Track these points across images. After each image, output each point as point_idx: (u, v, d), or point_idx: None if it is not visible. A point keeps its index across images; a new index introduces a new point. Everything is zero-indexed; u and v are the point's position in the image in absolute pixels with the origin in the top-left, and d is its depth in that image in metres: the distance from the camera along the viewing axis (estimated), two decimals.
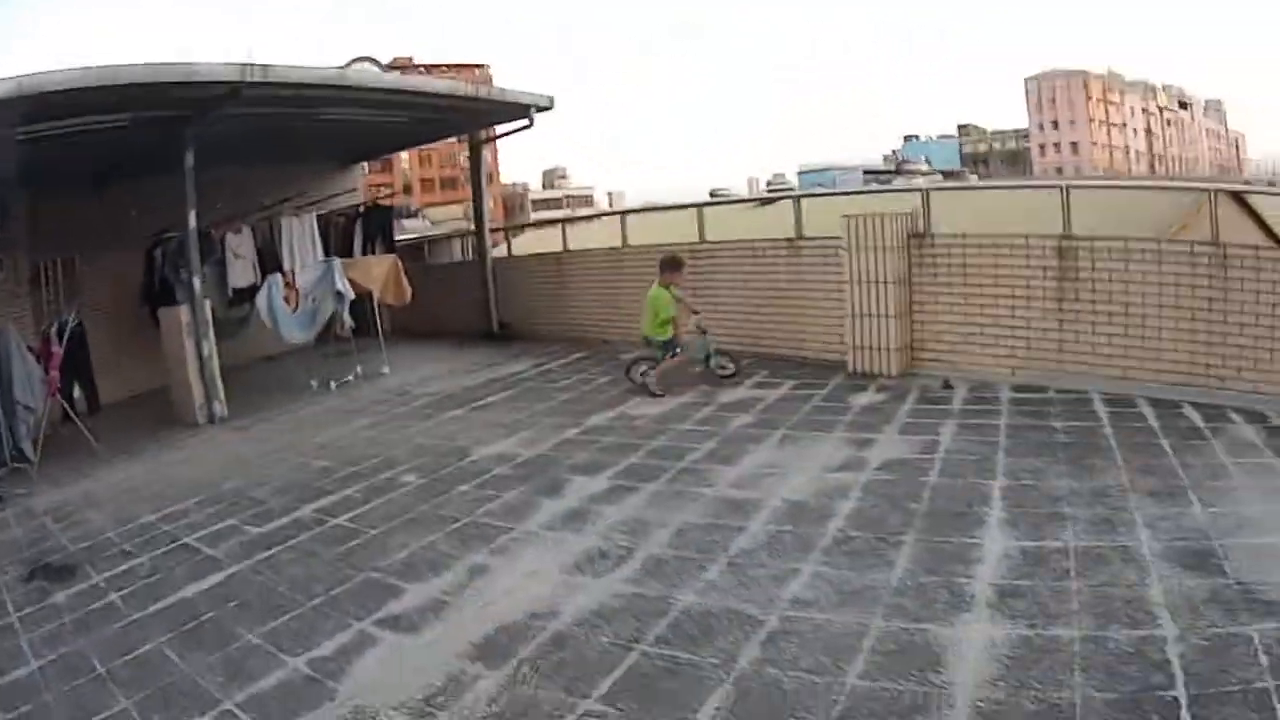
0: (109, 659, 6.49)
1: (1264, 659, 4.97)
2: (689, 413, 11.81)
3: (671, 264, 13.65)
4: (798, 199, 15.77)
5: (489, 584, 7.07)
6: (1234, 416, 9.65)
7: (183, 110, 13.59)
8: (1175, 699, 4.68)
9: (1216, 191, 11.65)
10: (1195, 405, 10.14)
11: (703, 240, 16.30)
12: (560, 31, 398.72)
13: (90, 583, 8.17)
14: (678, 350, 13.38)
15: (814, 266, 14.37)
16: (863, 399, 11.74)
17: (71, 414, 14.53)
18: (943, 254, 12.70)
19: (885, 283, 12.79)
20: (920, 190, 14.13)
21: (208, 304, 15.14)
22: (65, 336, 14.47)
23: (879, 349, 13.01)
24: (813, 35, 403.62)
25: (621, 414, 12.17)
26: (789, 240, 14.82)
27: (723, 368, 13.58)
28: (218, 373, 14.86)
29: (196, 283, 14.81)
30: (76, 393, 16.02)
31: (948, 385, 12.04)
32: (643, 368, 13.50)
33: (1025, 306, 11.97)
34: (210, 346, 14.75)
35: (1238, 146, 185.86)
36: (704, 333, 13.54)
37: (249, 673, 6.01)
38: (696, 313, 13.67)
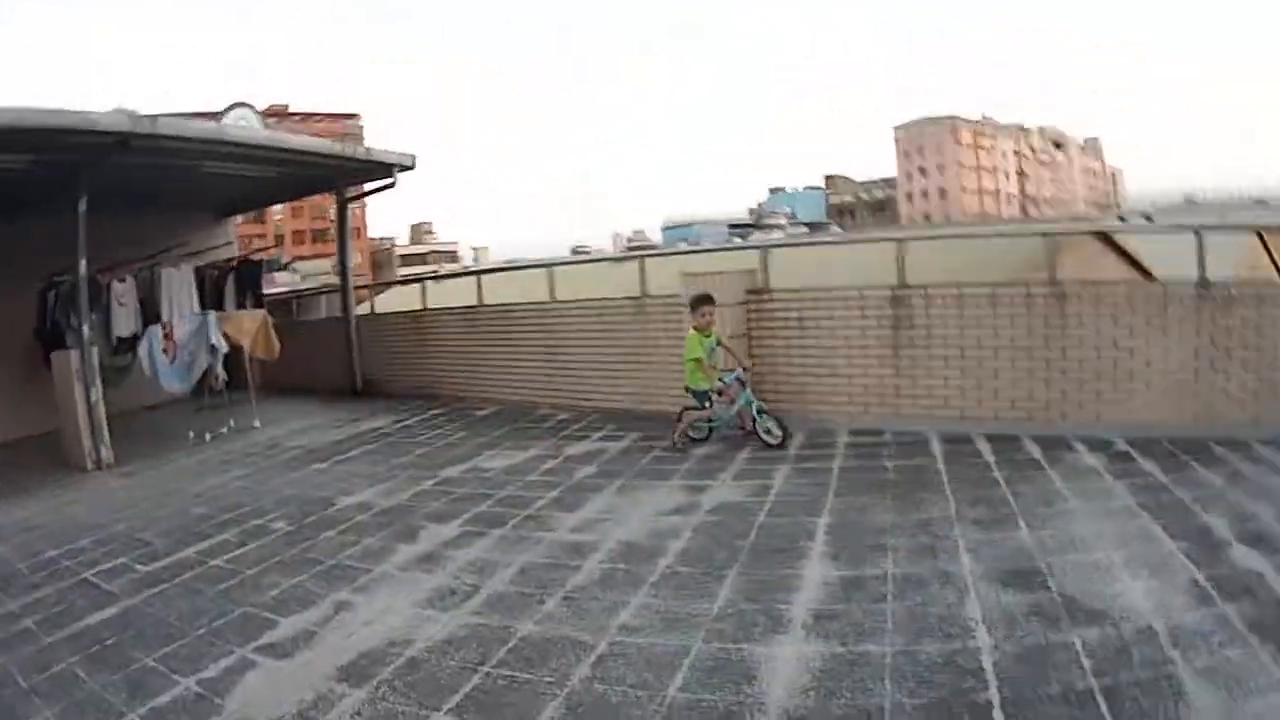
0: (30, 676, 6.86)
1: (1087, 662, 5.40)
2: (537, 465, 12.10)
3: (696, 303, 12.14)
4: (642, 257, 16.25)
5: (352, 617, 7.45)
6: (1076, 446, 10.23)
7: (77, 156, 13.84)
8: (988, 701, 5.10)
9: (1054, 234, 12.32)
10: (1035, 439, 10.67)
11: (553, 300, 16.68)
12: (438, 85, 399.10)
13: (6, 609, 8.50)
14: (709, 402, 12.14)
15: (658, 323, 14.74)
16: (702, 449, 12.12)
17: None
18: (780, 307, 13.19)
19: (725, 337, 12.86)
20: (760, 247, 14.57)
21: (95, 351, 15.20)
22: None
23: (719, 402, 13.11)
24: (689, 83, 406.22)
25: (474, 466, 12.47)
26: (634, 299, 15.20)
27: (769, 432, 11.79)
28: (104, 419, 14.93)
29: (85, 329, 14.93)
30: None
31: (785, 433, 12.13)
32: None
33: (862, 355, 12.49)
34: (97, 393, 14.84)
35: (1114, 182, 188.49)
36: (743, 385, 12.08)
37: (148, 690, 6.37)
38: (743, 367, 12.23)
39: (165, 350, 16.19)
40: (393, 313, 21.05)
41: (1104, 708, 4.90)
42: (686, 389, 12.23)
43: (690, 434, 12.33)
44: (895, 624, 6.23)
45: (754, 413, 11.96)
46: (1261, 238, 13.55)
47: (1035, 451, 10.27)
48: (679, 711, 5.41)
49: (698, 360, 11.96)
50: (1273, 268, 13.62)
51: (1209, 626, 5.69)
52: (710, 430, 12.40)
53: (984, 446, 10.69)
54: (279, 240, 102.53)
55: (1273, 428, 9.97)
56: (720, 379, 12.06)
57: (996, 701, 5.09)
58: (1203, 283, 10.47)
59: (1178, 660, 5.30)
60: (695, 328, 12.07)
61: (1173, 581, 6.41)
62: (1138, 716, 4.80)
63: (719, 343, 12.18)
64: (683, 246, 63.69)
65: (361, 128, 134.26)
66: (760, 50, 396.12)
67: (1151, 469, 9.24)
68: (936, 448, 10.87)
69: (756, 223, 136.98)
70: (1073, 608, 6.15)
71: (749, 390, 12.13)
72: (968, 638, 5.90)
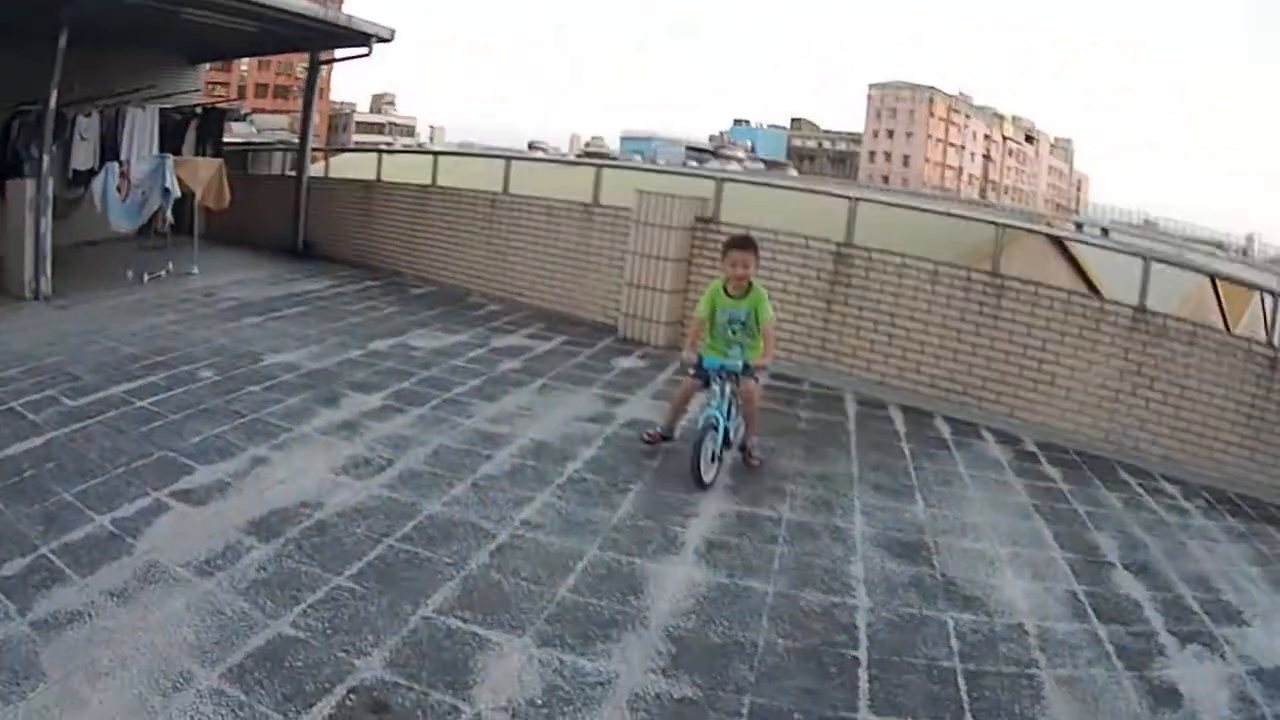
0: None
1: (955, 643, 5.60)
2: (464, 350, 12.30)
3: (729, 246, 8.81)
4: (599, 167, 16.44)
5: (267, 473, 7.60)
6: (985, 435, 10.48)
7: None
8: (855, 658, 5.30)
9: (1006, 226, 12.36)
10: (949, 419, 10.95)
11: (505, 192, 16.71)
12: None
13: None
14: (692, 371, 8.55)
15: (603, 233, 14.92)
16: (625, 363, 12.42)
17: None
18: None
19: (666, 259, 13.44)
20: (716, 178, 14.60)
21: (50, 182, 15.10)
22: None
23: (650, 320, 13.68)
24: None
25: (402, 343, 12.61)
26: (584, 205, 15.32)
27: (746, 452, 8.66)
28: (49, 251, 14.85)
29: (46, 160, 14.79)
30: None
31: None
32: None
33: (795, 302, 12.63)
34: (47, 224, 14.73)
35: (1079, 188, 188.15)
36: (740, 379, 8.32)
37: (62, 524, 6.45)
38: (759, 367, 8.41)
39: (119, 189, 16.05)
40: (345, 179, 20.98)
41: (963, 690, 5.07)
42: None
43: (696, 452, 7.89)
44: (782, 566, 6.51)
45: (715, 440, 8.12)
46: (1214, 283, 13.71)
47: (945, 431, 10.55)
48: (567, 610, 5.65)
49: (703, 321, 8.67)
50: (1218, 313, 13.78)
51: (1078, 640, 5.85)
52: (716, 450, 8.19)
53: (897, 416, 10.97)
54: (241, 92, 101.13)
55: (1177, 467, 10.22)
56: (724, 356, 8.42)
57: (864, 660, 5.29)
58: (1140, 309, 10.64)
59: (1042, 664, 5.48)
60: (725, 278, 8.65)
61: (1052, 589, 6.61)
62: (994, 708, 4.96)
63: (755, 316, 8.48)
64: (638, 160, 63.38)
65: None
66: None
67: (1054, 475, 9.48)
68: (851, 407, 11.14)
69: (715, 150, 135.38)
70: (951, 589, 6.36)
71: (726, 401, 8.29)
72: (848, 594, 6.13)
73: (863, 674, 5.16)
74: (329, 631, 5.21)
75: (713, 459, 8.08)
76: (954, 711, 4.85)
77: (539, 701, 4.68)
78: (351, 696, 4.60)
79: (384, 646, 5.07)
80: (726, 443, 8.35)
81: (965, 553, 7.04)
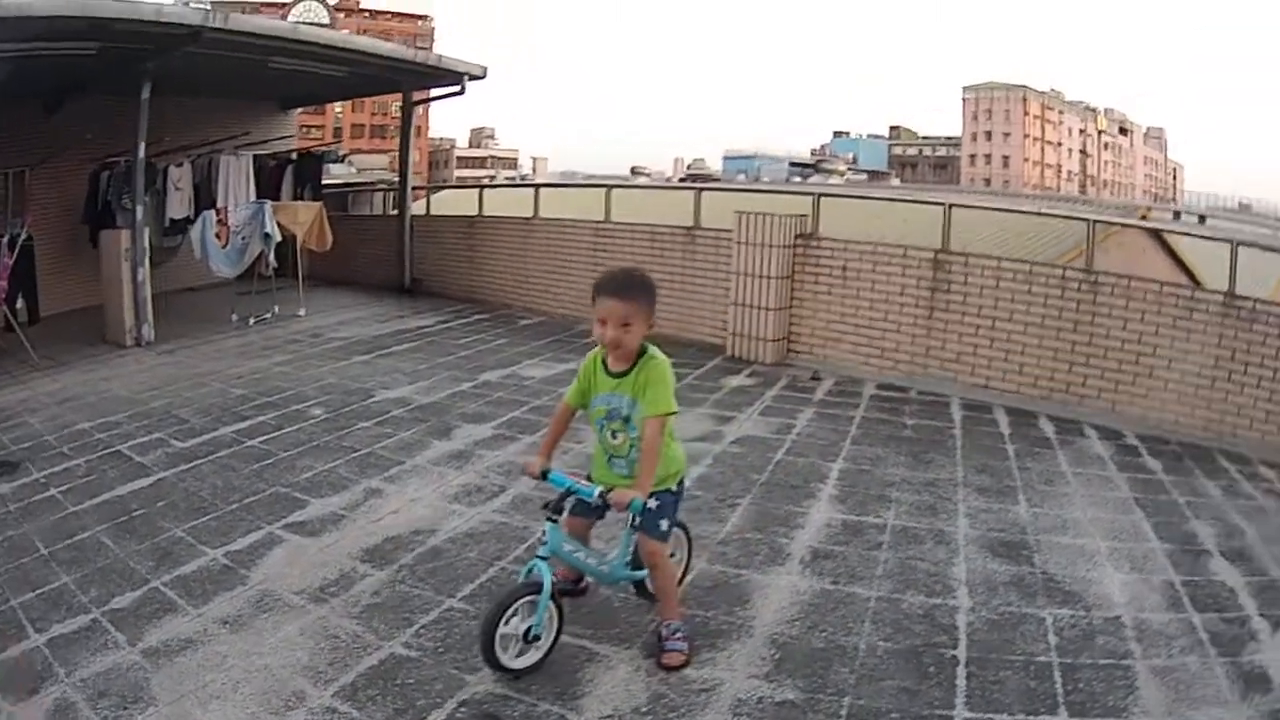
0: (51, 543, 7.12)
1: (1053, 638, 5.52)
2: (574, 378, 11.98)
3: (597, 290, 5.66)
4: (698, 190, 16.32)
5: (380, 504, 7.78)
6: (1088, 432, 10.33)
7: (146, 45, 13.92)
8: (955, 657, 5.29)
9: (1096, 222, 12.31)
10: (1051, 418, 10.82)
11: (608, 219, 16.81)
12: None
13: (32, 478, 8.72)
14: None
15: (706, 255, 14.90)
16: (734, 381, 12.36)
17: (14, 324, 14.82)
18: (826, 255, 13.25)
19: (769, 277, 13.37)
20: (813, 194, 14.36)
21: (146, 231, 15.43)
22: (15, 249, 14.71)
23: (756, 338, 13.61)
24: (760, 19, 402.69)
25: (513, 373, 12.72)
26: (686, 229, 15.30)
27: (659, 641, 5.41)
28: (149, 298, 15.10)
29: (139, 210, 15.11)
30: (20, 303, 16.18)
31: (815, 377, 12.59)
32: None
33: (898, 311, 12.58)
34: (145, 272, 14.99)
35: (1175, 177, 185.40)
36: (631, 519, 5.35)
37: (175, 558, 6.69)
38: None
39: (218, 235, 16.38)
40: (448, 216, 21.11)
41: (1059, 683, 5.06)
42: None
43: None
44: (885, 571, 6.49)
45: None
46: None
47: (1049, 430, 10.44)
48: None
49: (567, 409, 5.85)
50: None
51: (1173, 629, 5.76)
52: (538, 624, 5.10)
53: (1001, 417, 10.88)
54: (337, 133, 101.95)
55: (1275, 451, 10.03)
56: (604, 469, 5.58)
57: (963, 659, 5.28)
58: (1230, 294, 10.52)
59: (1137, 654, 5.41)
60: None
61: (1150, 580, 6.49)
62: (1088, 700, 4.93)
63: (644, 395, 5.25)
64: (742, 179, 63.62)
65: (433, 29, 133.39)
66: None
67: (1155, 467, 9.33)
68: (956, 413, 11.06)
69: (817, 165, 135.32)
70: (1051, 586, 6.31)
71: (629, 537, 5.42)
72: (949, 596, 6.12)
73: (960, 672, 5.15)
74: (441, 650, 5.34)
75: (529, 638, 5.05)
76: (1048, 705, 4.85)
77: (644, 710, 4.76)
78: (462, 709, 4.72)
79: None
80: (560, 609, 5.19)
81: (1066, 549, 7.00)
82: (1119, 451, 9.74)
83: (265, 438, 9.74)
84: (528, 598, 4.97)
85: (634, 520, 5.22)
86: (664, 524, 5.30)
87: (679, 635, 5.29)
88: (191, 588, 6.25)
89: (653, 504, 5.12)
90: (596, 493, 5.01)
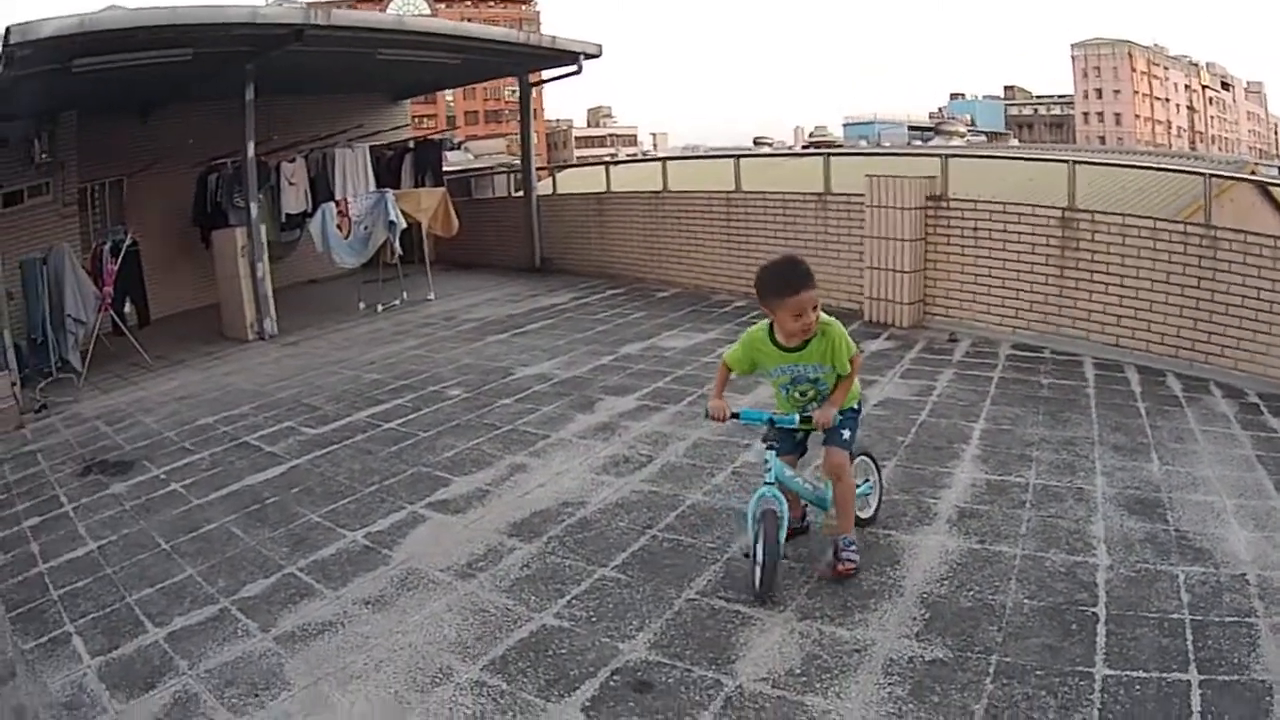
0: (173, 537, 7.36)
1: (1185, 596, 5.51)
2: (715, 347, 12.37)
3: (782, 288, 5.71)
4: (826, 155, 16.21)
5: (526, 479, 7.94)
6: (1214, 390, 10.18)
7: (245, 47, 14.17)
8: (1095, 614, 5.31)
9: (1211, 176, 12.05)
10: (1179, 376, 10.69)
11: (738, 189, 16.73)
12: None
13: (149, 475, 8.99)
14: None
15: (839, 221, 14.82)
16: (873, 346, 12.32)
17: (123, 327, 15.18)
18: (956, 216, 13.13)
19: (902, 240, 13.34)
20: (941, 154, 14.25)
21: (262, 228, 15.75)
22: (120, 254, 14.97)
23: (893, 301, 13.63)
24: None
25: (653, 345, 12.89)
26: (817, 195, 15.17)
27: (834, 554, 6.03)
28: (270, 293, 15.45)
29: (254, 208, 15.41)
30: (128, 307, 16.49)
31: (953, 339, 12.63)
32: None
33: (1029, 271, 12.42)
34: (264, 267, 15.35)
35: (1277, 132, 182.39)
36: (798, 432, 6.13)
37: (311, 544, 6.89)
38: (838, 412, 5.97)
39: (339, 226, 16.64)
40: (575, 194, 21.27)
41: (1189, 640, 5.05)
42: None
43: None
44: (1029, 530, 6.55)
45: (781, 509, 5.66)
46: None
47: (1177, 388, 10.33)
48: (827, 585, 5.85)
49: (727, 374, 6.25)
50: None
51: None
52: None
53: (1132, 376, 10.78)
54: (450, 120, 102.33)
55: None
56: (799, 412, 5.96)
57: (1102, 616, 5.31)
58: None
59: (1260, 612, 5.36)
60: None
61: (1272, 537, 6.38)
62: (1215, 657, 4.91)
63: (831, 359, 5.91)
64: (863, 145, 63.27)
65: (538, 12, 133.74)
66: None
67: (1276, 425, 9.19)
68: (1089, 372, 10.99)
69: (936, 128, 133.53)
70: (1184, 543, 6.28)
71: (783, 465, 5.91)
72: (1089, 554, 6.13)
73: (1100, 630, 5.17)
74: (593, 620, 5.47)
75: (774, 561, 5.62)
76: (1180, 662, 4.85)
77: (798, 671, 4.86)
78: (615, 678, 4.84)
79: (648, 630, 5.30)
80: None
81: (1196, 506, 6.95)
82: (1242, 410, 9.62)
83: (403, 420, 9.94)
84: (767, 523, 5.52)
85: (841, 435, 5.95)
86: (846, 433, 6.03)
87: (854, 548, 6.01)
88: (330, 571, 6.44)
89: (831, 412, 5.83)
90: (799, 418, 5.80)
